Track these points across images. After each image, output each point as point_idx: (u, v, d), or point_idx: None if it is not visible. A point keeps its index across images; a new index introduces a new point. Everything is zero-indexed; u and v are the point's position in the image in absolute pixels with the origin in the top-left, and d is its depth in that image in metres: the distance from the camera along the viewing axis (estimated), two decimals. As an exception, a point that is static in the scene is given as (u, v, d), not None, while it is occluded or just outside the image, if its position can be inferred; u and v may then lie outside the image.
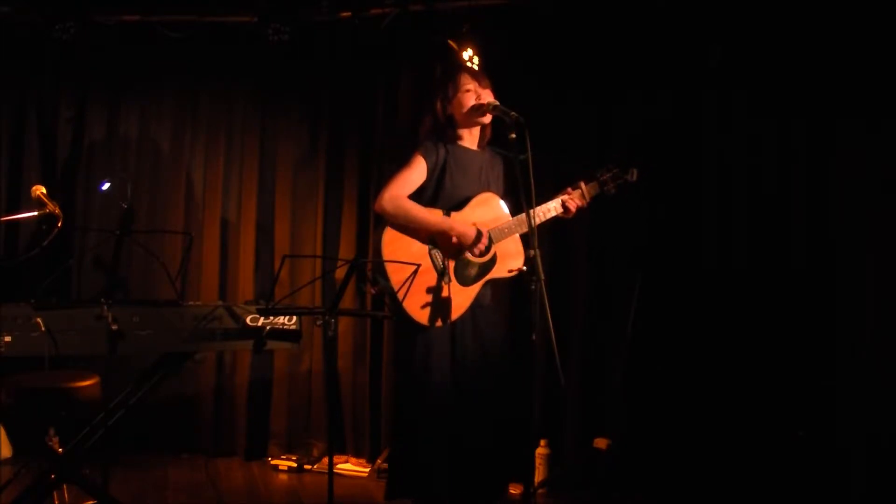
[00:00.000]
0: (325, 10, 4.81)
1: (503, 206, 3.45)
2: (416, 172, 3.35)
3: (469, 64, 4.44)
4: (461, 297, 3.31)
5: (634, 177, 3.55)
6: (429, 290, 3.25)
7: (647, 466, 4.23)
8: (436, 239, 3.30)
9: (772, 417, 4.05)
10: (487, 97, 3.39)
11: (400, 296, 3.15)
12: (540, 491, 4.26)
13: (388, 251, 3.22)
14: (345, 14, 4.83)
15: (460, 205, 3.37)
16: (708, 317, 4.20)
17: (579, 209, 3.51)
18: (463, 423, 3.29)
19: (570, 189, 3.50)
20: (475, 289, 3.35)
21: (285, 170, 5.15)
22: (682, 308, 4.26)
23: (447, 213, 3.35)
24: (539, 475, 4.32)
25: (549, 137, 3.60)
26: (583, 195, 3.50)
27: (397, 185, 3.32)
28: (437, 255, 3.30)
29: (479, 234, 3.28)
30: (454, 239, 3.28)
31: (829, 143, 4.02)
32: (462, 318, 3.32)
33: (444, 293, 3.26)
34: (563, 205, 3.47)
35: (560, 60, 4.55)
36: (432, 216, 3.31)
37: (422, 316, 3.23)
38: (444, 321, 3.27)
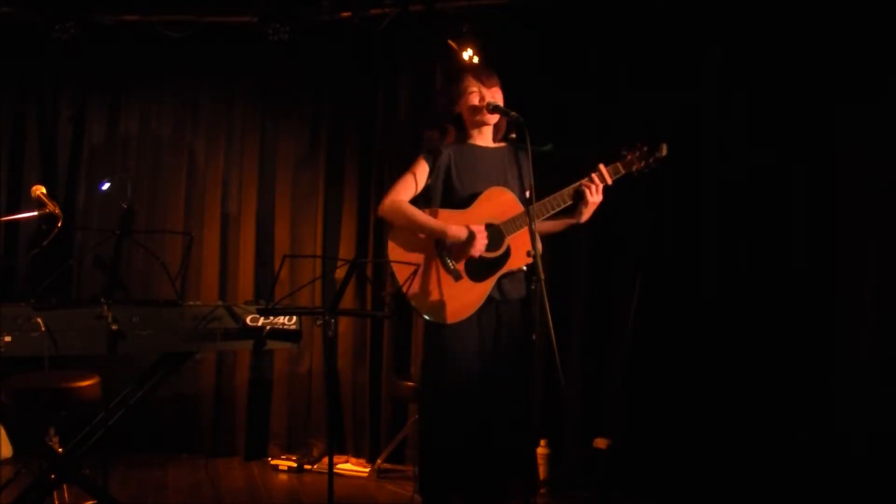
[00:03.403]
0: (325, 10, 4.82)
1: (515, 199, 3.38)
2: (418, 175, 3.36)
3: (470, 64, 4.44)
4: (474, 294, 3.30)
5: (664, 151, 3.33)
6: (440, 289, 3.27)
7: (647, 466, 4.23)
8: (437, 241, 3.30)
9: (771, 417, 4.05)
10: (494, 95, 3.37)
11: (407, 295, 3.16)
12: (540, 491, 4.26)
13: (393, 254, 3.24)
14: (345, 14, 4.84)
15: (467, 202, 3.36)
16: (707, 316, 4.19)
17: (605, 190, 3.32)
18: (484, 418, 3.30)
19: (586, 180, 3.35)
20: (489, 284, 3.34)
21: (285, 170, 5.15)
22: (682, 307, 4.26)
23: (455, 212, 3.34)
24: (539, 475, 4.32)
25: (548, 136, 3.58)
26: (602, 177, 3.33)
27: (397, 189, 3.35)
28: (445, 254, 3.30)
29: (472, 235, 3.27)
30: (449, 241, 3.27)
31: (829, 146, 4.03)
32: (485, 312, 3.31)
33: (456, 291, 3.27)
34: (578, 191, 3.32)
35: (560, 60, 4.55)
36: (429, 220, 3.30)
37: (435, 314, 3.26)
38: (458, 318, 3.28)
